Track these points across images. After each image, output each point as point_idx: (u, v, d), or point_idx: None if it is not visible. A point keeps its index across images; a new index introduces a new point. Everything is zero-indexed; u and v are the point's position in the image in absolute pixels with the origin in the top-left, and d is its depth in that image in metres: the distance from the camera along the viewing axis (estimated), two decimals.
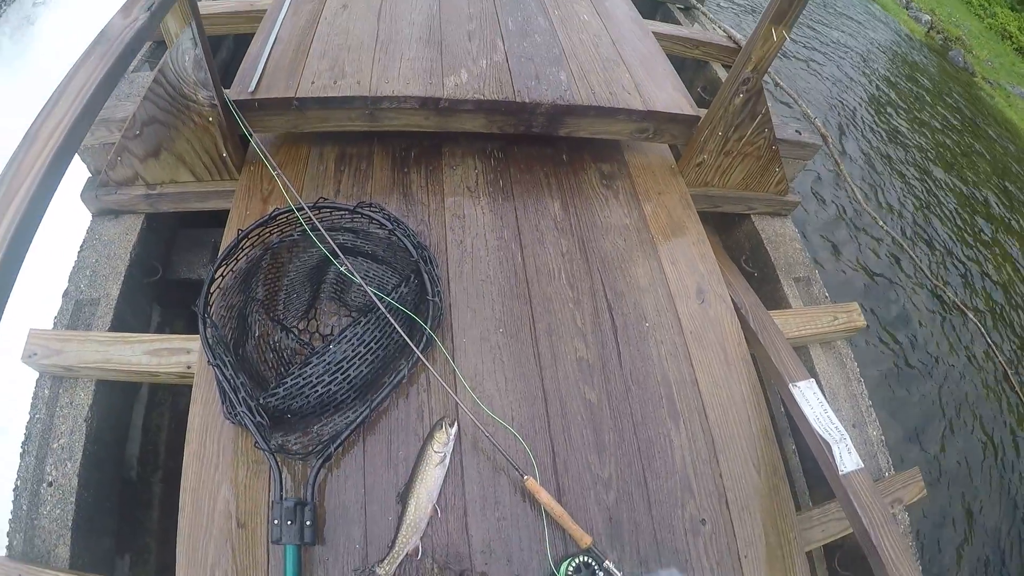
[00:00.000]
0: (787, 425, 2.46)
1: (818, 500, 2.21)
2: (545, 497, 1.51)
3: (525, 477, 1.53)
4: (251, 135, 2.10)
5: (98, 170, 2.16)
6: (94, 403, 1.75)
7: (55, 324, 1.91)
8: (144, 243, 2.18)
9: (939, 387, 4.65)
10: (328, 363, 1.56)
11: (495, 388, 1.74)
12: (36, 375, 1.79)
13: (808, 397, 1.91)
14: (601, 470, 1.66)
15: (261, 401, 1.49)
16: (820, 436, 1.80)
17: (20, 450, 1.68)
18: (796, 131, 2.72)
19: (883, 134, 7.52)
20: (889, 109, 8.29)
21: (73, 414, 1.72)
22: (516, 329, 1.89)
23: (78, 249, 2.09)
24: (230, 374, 1.49)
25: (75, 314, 1.93)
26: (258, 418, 1.44)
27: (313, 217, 1.78)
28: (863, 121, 7.59)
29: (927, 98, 9.24)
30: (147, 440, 2.07)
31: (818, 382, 2.14)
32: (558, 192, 2.36)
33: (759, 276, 2.67)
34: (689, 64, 3.69)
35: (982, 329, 3.06)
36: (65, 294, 1.98)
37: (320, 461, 1.46)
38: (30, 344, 1.75)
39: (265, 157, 2.06)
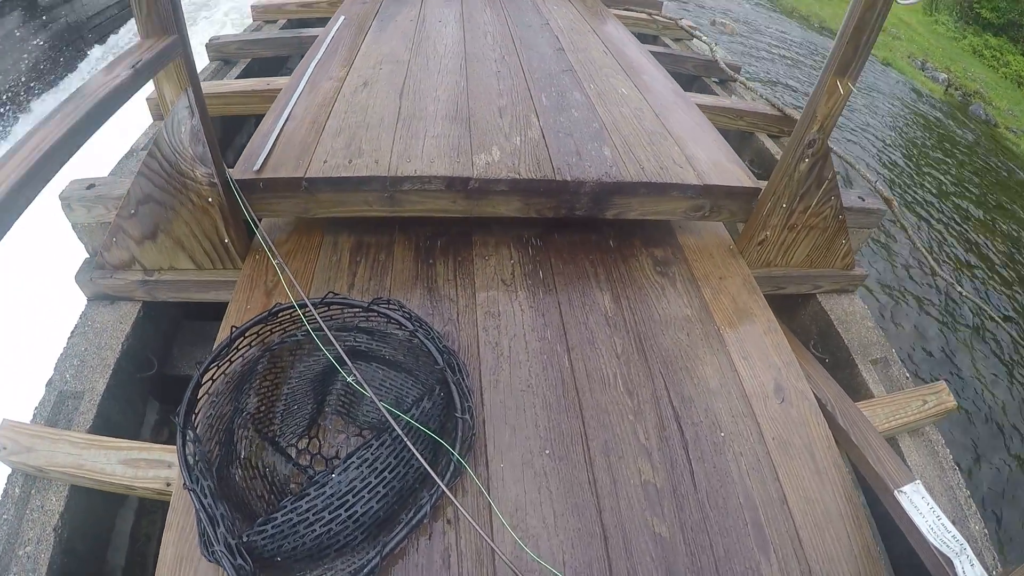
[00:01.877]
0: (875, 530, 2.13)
1: None
2: None
3: None
4: (253, 218, 1.97)
5: (95, 251, 2.06)
6: (66, 510, 1.57)
7: (34, 416, 1.75)
8: (139, 334, 2.02)
9: None
10: (330, 496, 1.29)
11: (541, 525, 1.46)
12: (8, 470, 1.63)
13: (918, 504, 1.61)
14: None
15: (244, 539, 1.23)
16: (937, 550, 1.50)
17: None
18: (859, 197, 2.53)
19: (920, 199, 7.63)
20: (919, 174, 8.46)
21: (43, 520, 1.55)
22: (566, 449, 1.61)
23: (68, 335, 1.97)
24: (208, 502, 1.25)
25: (56, 407, 1.77)
26: (239, 560, 1.18)
27: (318, 315, 1.56)
28: (898, 188, 7.74)
29: (955, 156, 9.47)
30: (134, 550, 1.85)
31: None
32: (607, 283, 2.15)
33: (831, 362, 2.40)
34: (733, 136, 3.59)
35: None
36: (49, 384, 1.83)
37: None
38: (1, 436, 1.60)
39: (266, 243, 1.90)
